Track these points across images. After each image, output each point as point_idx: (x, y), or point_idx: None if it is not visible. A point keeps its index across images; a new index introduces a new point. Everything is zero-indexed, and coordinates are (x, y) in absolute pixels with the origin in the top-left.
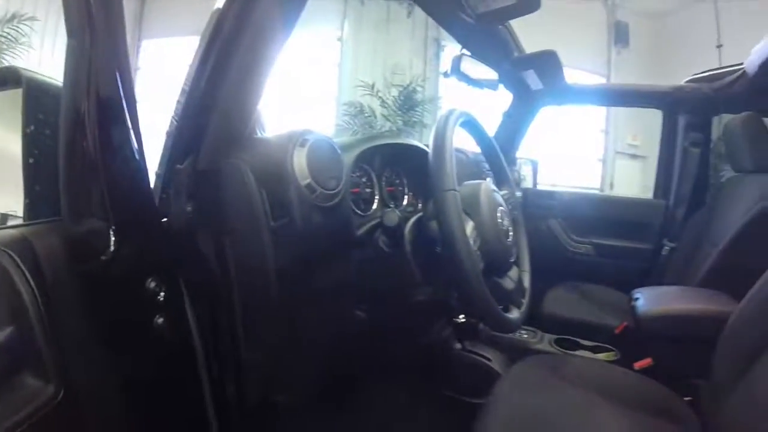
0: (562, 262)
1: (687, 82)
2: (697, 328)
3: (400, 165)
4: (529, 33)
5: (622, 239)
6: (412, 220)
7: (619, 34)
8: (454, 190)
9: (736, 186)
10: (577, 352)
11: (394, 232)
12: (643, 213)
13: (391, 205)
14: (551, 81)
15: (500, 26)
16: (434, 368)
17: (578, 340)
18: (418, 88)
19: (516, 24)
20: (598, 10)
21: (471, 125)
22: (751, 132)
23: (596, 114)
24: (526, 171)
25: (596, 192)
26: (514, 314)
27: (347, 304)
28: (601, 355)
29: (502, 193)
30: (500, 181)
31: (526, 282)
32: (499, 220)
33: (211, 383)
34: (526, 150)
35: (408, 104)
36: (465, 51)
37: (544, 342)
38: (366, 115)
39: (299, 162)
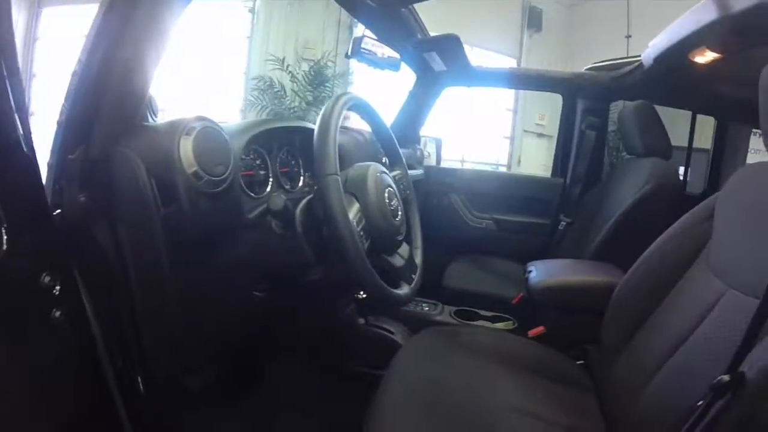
0: (463, 237)
1: (587, 69)
2: (585, 298)
3: (295, 146)
4: (444, 14)
5: (522, 215)
6: (304, 201)
7: (533, 19)
8: (335, 174)
9: (628, 167)
10: (477, 322)
11: (283, 215)
12: (541, 190)
13: (287, 186)
14: (454, 63)
15: (404, 10)
16: (340, 344)
17: (478, 311)
18: (330, 64)
19: (431, 4)
20: None
21: (361, 108)
22: (643, 119)
23: (505, 94)
24: (430, 149)
25: (501, 169)
26: (404, 289)
27: (244, 285)
28: (499, 325)
29: (394, 173)
30: (393, 162)
31: (418, 258)
32: (387, 201)
33: (115, 371)
34: (432, 128)
35: (318, 80)
36: (367, 33)
37: (444, 314)
38: (275, 90)
39: (185, 150)
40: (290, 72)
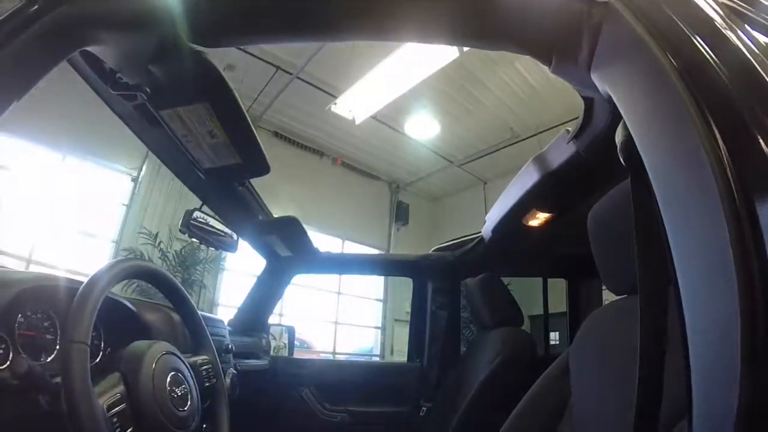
0: None
1: (434, 251)
2: None
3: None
4: (316, 210)
5: (380, 404)
6: None
7: (400, 213)
8: (84, 343)
9: (480, 342)
10: None
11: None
12: (398, 376)
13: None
14: (299, 248)
15: (240, 187)
16: None
17: None
18: (203, 246)
19: (302, 199)
20: (383, 189)
21: (153, 278)
22: (487, 291)
23: (374, 284)
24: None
25: (374, 359)
26: None
27: None
28: None
29: (197, 358)
30: (198, 344)
31: None
32: (168, 386)
33: None
34: (297, 319)
35: (190, 261)
36: (200, 209)
37: None
38: None
39: None
40: (161, 249)
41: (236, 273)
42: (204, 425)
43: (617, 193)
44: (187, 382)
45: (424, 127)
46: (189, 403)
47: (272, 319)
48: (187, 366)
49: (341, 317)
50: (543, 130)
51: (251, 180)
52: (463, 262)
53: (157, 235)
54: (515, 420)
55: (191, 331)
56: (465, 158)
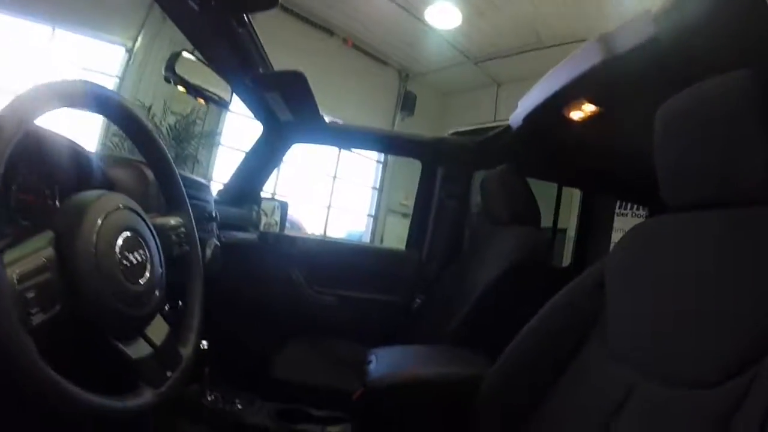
0: (302, 316)
1: (451, 134)
2: (442, 395)
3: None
4: (320, 89)
5: (371, 291)
6: None
7: (407, 103)
8: None
9: (492, 238)
10: (303, 426)
11: None
12: (394, 265)
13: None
14: (301, 112)
15: (240, 28)
16: None
17: (309, 409)
18: (198, 120)
19: (311, 81)
20: (392, 77)
21: (108, 108)
22: (509, 183)
23: (370, 171)
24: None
25: (346, 240)
26: (138, 396)
27: None
28: (332, 429)
29: (167, 219)
30: (172, 204)
31: (188, 347)
32: (118, 250)
33: None
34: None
35: (184, 136)
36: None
37: (262, 414)
38: None
39: None
40: (155, 123)
41: (232, 149)
42: (170, 305)
43: (700, 93)
44: (147, 248)
45: (445, 17)
46: (148, 274)
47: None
48: (149, 227)
49: (335, 202)
50: (570, 41)
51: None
52: (482, 151)
53: (150, 108)
54: (532, 332)
55: (163, 187)
56: (483, 56)
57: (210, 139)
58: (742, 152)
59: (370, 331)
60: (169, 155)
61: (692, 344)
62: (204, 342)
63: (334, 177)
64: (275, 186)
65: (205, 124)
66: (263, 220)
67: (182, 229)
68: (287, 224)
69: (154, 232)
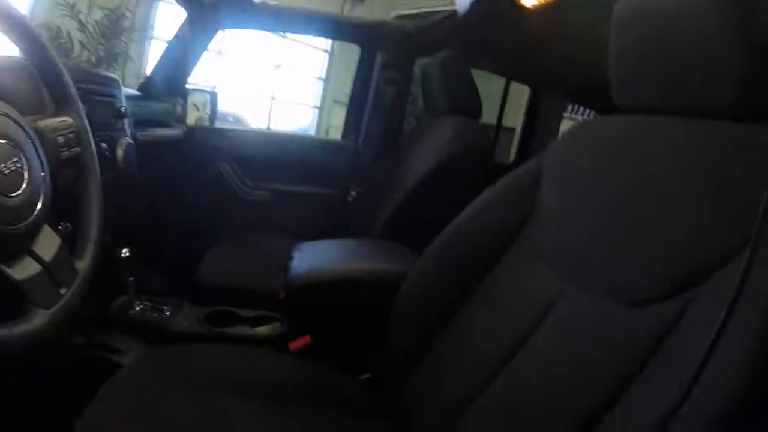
0: (234, 214)
1: (395, 18)
2: (364, 292)
3: None
4: None
5: (306, 184)
6: None
7: None
8: None
9: (429, 128)
10: (233, 329)
11: None
12: (329, 155)
13: None
14: None
15: None
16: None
17: (237, 311)
18: (127, 13)
19: None
20: None
21: None
22: (450, 71)
23: (317, 61)
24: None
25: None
26: (28, 321)
27: None
28: (261, 329)
29: (54, 120)
30: (58, 102)
31: (84, 261)
32: None
33: None
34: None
35: (112, 32)
36: None
37: (190, 319)
38: (61, 41)
39: None
40: (79, 20)
41: (165, 42)
42: (63, 222)
43: None
44: (24, 155)
45: None
46: (25, 185)
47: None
48: (26, 131)
49: (278, 94)
50: None
51: None
52: (424, 37)
53: (74, 5)
54: (461, 226)
55: (47, 85)
56: None
57: (141, 33)
58: (715, 61)
59: (305, 227)
60: (49, 48)
61: (629, 258)
62: (125, 250)
63: (278, 66)
64: (212, 78)
65: (135, 18)
66: (195, 113)
67: (70, 129)
68: (230, 119)
69: (33, 136)
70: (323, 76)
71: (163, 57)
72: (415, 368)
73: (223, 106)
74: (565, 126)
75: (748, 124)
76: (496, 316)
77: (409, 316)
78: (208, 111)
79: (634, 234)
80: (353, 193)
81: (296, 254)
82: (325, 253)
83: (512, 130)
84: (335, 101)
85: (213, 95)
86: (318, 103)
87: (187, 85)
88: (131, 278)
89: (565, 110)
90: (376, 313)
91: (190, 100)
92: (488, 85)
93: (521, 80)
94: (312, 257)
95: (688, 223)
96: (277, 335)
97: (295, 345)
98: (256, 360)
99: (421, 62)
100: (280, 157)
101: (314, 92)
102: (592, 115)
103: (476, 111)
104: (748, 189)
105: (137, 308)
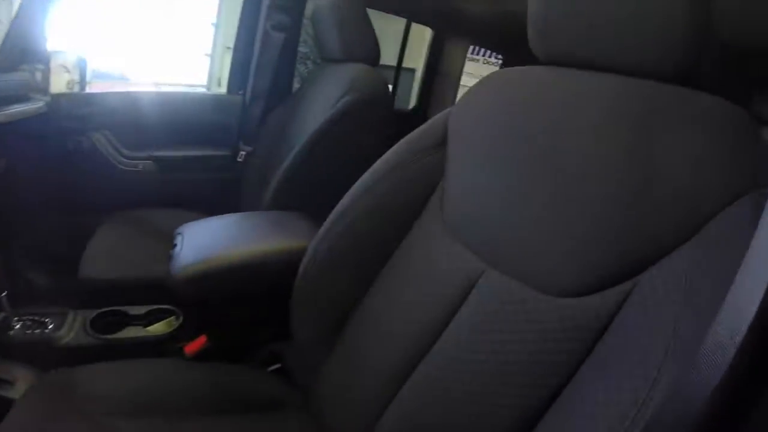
0: (114, 191)
1: None
2: (261, 278)
3: None
4: None
5: (191, 147)
6: None
7: None
8: None
9: (322, 76)
10: (123, 334)
11: None
12: (215, 112)
13: None
14: None
15: None
16: None
17: (127, 309)
18: None
19: None
20: None
21: None
22: (345, 13)
23: (210, 5)
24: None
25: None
26: None
27: None
28: (155, 327)
29: None
30: None
31: None
32: None
33: None
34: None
35: None
36: None
37: (75, 328)
38: None
39: None
40: None
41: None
42: None
43: None
44: None
45: None
46: None
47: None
48: None
49: (167, 44)
50: None
51: None
52: None
53: None
54: (365, 190)
55: None
56: None
57: None
58: (665, 22)
59: (195, 196)
60: None
61: (556, 243)
62: None
63: (167, 14)
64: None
65: None
66: (65, 77)
67: None
68: (113, 78)
69: None
70: (215, 21)
71: (12, 24)
72: (327, 355)
73: (106, 65)
74: (469, 67)
75: (687, 89)
76: (409, 297)
77: (311, 302)
78: (76, 78)
79: (560, 210)
80: (243, 153)
81: (178, 240)
82: (211, 235)
83: (412, 71)
84: (227, 48)
85: (81, 63)
86: (209, 51)
87: (48, 48)
88: (3, 293)
89: (468, 51)
90: (280, 298)
91: (54, 63)
92: (386, 24)
93: (421, 21)
94: (196, 243)
95: (622, 203)
96: (174, 331)
97: (191, 349)
98: (151, 373)
99: (312, 3)
100: (160, 119)
101: (209, 41)
102: (494, 56)
103: (374, 57)
104: (689, 162)
105: (16, 327)
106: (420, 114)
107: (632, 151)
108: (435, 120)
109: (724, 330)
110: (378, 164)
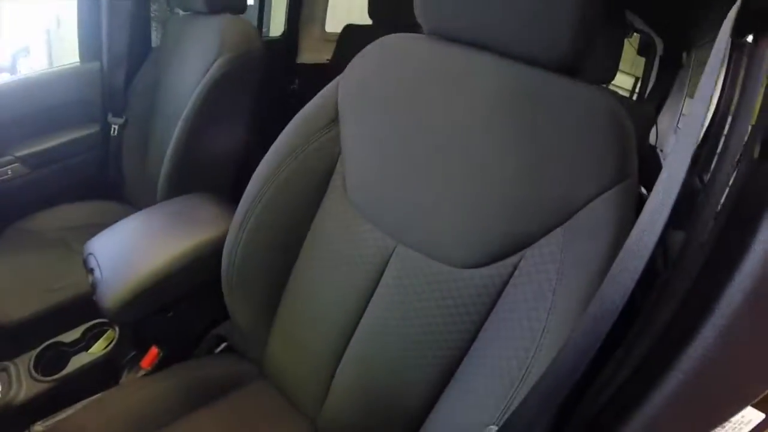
0: None
1: None
2: (187, 277)
3: None
4: None
5: (59, 134)
6: None
7: None
8: None
9: (186, 31)
10: (69, 368)
11: None
12: (72, 89)
13: None
14: None
15: None
16: None
17: (61, 339)
18: None
19: None
20: None
21: None
22: None
23: None
24: None
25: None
26: None
27: None
28: (95, 348)
29: None
30: None
31: None
32: None
33: None
34: None
35: None
36: None
37: (23, 377)
38: None
39: None
40: None
41: None
42: None
43: None
44: None
45: None
46: None
47: None
48: None
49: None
50: None
51: None
52: None
53: None
54: (269, 172)
55: None
56: None
57: None
58: (545, 12)
59: (77, 184)
60: None
61: (452, 219)
62: None
63: None
64: None
65: None
66: None
67: None
68: None
69: None
70: None
71: None
72: (268, 331)
73: None
74: None
75: (570, 81)
76: (331, 279)
77: (240, 287)
78: None
79: (456, 187)
80: (115, 127)
81: (92, 262)
82: (126, 248)
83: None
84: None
85: None
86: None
87: None
88: None
89: None
90: (212, 286)
91: None
92: None
93: None
94: (114, 263)
95: (512, 183)
96: (117, 345)
97: (147, 363)
98: (123, 402)
99: None
100: (12, 112)
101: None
102: None
103: (240, 4)
104: (566, 152)
105: None
106: (291, 39)
107: (518, 137)
108: (325, 95)
109: (594, 306)
110: (276, 145)
